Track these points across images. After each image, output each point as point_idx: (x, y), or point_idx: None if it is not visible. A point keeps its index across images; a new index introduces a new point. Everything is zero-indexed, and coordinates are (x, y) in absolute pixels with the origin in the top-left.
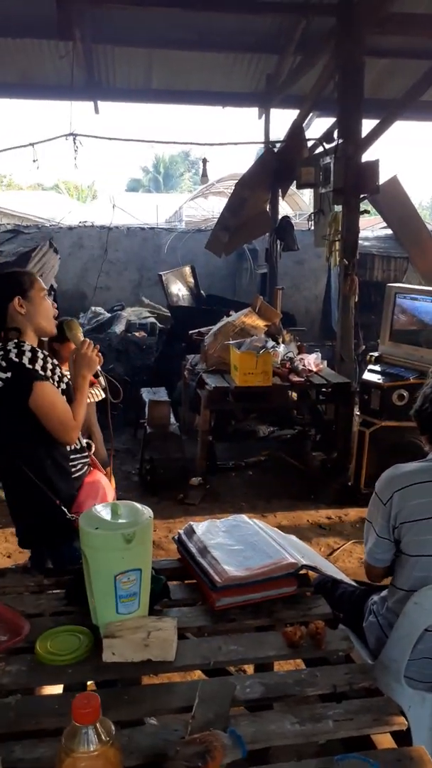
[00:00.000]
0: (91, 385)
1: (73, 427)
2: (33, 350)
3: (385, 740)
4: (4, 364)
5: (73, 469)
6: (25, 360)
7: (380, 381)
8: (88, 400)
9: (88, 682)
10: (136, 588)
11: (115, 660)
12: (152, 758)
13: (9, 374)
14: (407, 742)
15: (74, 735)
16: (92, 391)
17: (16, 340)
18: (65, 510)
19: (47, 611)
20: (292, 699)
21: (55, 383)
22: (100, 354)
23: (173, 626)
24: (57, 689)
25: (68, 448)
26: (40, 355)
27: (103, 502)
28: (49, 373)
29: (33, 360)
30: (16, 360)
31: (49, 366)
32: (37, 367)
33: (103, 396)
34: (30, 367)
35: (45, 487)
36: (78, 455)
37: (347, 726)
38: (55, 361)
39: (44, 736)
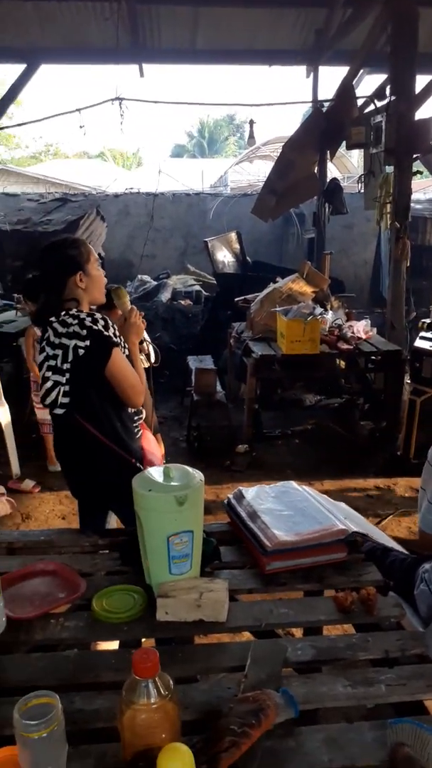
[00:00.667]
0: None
1: (141, 391)
2: (103, 317)
3: None
4: (83, 332)
5: (135, 430)
6: (101, 327)
7: None
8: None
9: (143, 640)
10: (188, 549)
11: (169, 619)
12: (206, 714)
13: (88, 342)
14: None
15: (134, 688)
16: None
17: (75, 310)
18: (141, 467)
19: (102, 571)
20: (342, 663)
21: (122, 349)
22: (144, 320)
23: (225, 588)
24: (112, 645)
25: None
26: (109, 322)
27: (159, 461)
28: (118, 339)
29: (106, 327)
30: (95, 327)
31: (117, 332)
32: (111, 333)
33: (148, 364)
34: (107, 333)
35: (118, 447)
36: (137, 417)
37: (400, 691)
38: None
39: (102, 689)
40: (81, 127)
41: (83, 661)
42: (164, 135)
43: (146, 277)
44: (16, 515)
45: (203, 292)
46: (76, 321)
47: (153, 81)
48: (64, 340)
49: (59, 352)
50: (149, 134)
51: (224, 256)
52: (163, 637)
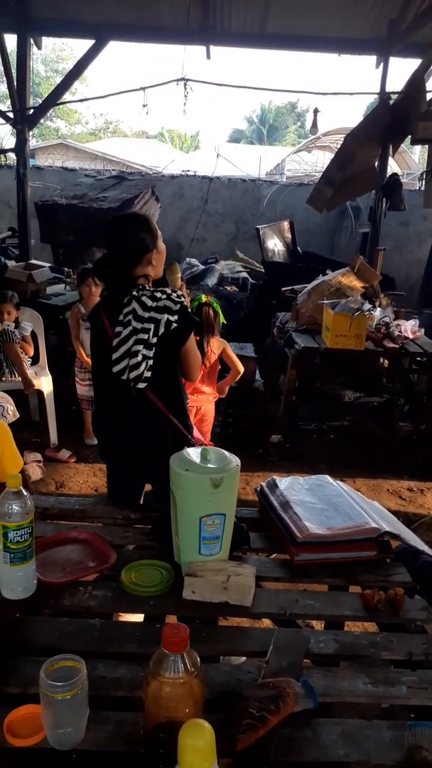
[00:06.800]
0: None
1: (201, 367)
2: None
3: None
4: (176, 307)
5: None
6: (187, 304)
7: None
8: None
9: (167, 615)
10: (219, 532)
11: (195, 598)
12: (225, 696)
13: (177, 317)
14: None
15: (162, 661)
16: None
17: (150, 287)
18: (195, 444)
19: (132, 544)
20: (364, 660)
21: None
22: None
23: (252, 573)
24: (134, 618)
25: None
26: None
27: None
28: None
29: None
30: (185, 304)
31: None
32: None
33: None
34: (189, 311)
35: (180, 423)
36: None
37: (421, 694)
38: None
39: (125, 659)
40: (144, 106)
41: (109, 630)
42: (223, 119)
43: (194, 261)
44: (50, 483)
45: (250, 279)
46: (165, 296)
47: (218, 65)
48: (154, 314)
49: (150, 326)
50: (209, 118)
51: (275, 245)
52: (187, 615)
